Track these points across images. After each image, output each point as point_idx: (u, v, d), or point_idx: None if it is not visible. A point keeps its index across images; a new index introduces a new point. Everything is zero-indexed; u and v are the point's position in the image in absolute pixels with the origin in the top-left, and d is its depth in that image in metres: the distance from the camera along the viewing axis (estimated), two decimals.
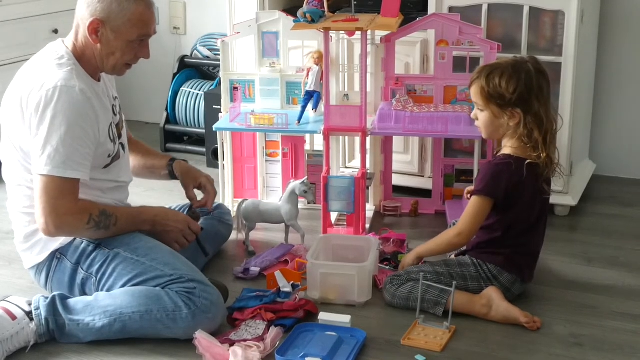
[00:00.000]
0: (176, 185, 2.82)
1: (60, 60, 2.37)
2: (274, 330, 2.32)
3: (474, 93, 2.51)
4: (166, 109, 4.23)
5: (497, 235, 2.52)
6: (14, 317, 2.28)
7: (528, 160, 2.46)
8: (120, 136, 2.54)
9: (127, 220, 2.44)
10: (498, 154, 2.55)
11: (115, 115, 2.52)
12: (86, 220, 2.33)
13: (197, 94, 4.15)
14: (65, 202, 2.29)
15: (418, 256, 2.63)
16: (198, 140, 4.18)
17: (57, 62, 2.36)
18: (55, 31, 3.92)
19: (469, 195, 2.83)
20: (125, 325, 2.31)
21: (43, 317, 2.31)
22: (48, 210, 2.29)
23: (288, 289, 2.49)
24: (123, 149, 2.57)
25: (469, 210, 2.51)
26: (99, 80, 2.47)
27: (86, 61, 2.41)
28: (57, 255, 2.44)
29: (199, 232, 2.60)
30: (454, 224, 2.84)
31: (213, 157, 3.86)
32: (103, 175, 2.46)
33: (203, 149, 4.03)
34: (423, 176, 3.47)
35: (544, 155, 2.45)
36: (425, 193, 3.39)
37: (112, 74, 2.50)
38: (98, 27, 2.35)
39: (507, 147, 2.52)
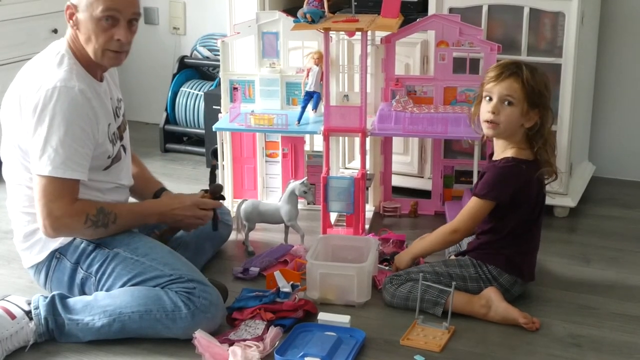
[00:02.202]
0: (176, 185, 2.82)
1: (60, 59, 2.36)
2: (273, 330, 2.32)
3: (509, 86, 2.45)
4: (166, 109, 4.23)
5: (499, 237, 2.52)
6: (13, 317, 2.28)
7: (531, 160, 2.47)
8: (121, 138, 2.54)
9: (128, 217, 2.43)
10: (501, 158, 2.53)
11: (117, 117, 2.52)
12: (83, 220, 2.33)
13: (197, 94, 4.15)
14: (61, 203, 2.29)
15: (413, 257, 2.63)
16: (198, 140, 4.18)
17: (57, 61, 2.35)
18: (55, 31, 3.92)
19: None
20: (125, 325, 2.31)
21: (42, 317, 2.31)
22: (45, 212, 2.30)
23: (287, 289, 2.49)
24: (124, 151, 2.56)
25: (468, 210, 2.51)
26: (101, 80, 2.46)
27: (83, 56, 2.38)
28: (57, 254, 2.44)
29: (217, 205, 2.59)
30: None
31: (213, 158, 3.86)
32: (103, 177, 2.46)
33: (202, 150, 4.03)
34: (423, 177, 3.48)
35: (547, 158, 2.47)
36: (424, 194, 3.40)
37: (101, 62, 2.38)
38: (73, 12, 2.34)
39: (508, 150, 2.52)
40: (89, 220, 2.33)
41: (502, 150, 2.55)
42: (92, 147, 2.35)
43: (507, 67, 2.50)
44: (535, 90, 2.45)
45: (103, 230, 2.38)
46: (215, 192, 2.65)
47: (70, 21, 2.35)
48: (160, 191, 2.71)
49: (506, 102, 2.47)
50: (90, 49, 2.35)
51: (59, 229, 2.33)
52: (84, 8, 2.31)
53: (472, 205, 2.51)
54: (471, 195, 2.57)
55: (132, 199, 2.68)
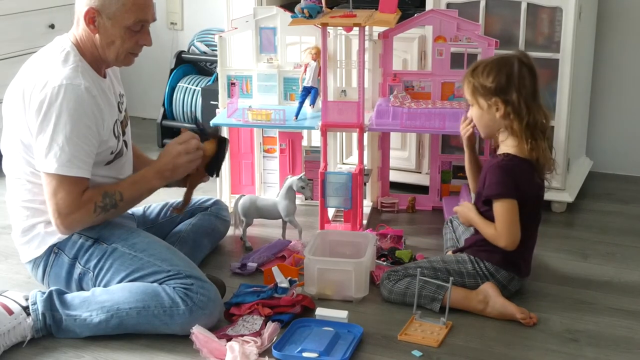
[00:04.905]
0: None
1: (66, 56, 2.36)
2: (271, 326, 2.32)
3: (464, 89, 2.54)
4: (163, 105, 4.22)
5: None
6: (10, 312, 2.28)
7: (528, 157, 2.47)
8: (124, 133, 2.54)
9: (132, 189, 2.42)
10: (498, 155, 2.52)
11: (120, 112, 2.52)
12: (92, 210, 2.34)
13: (194, 89, 4.15)
14: (68, 201, 2.30)
15: (470, 224, 2.56)
16: None
17: (62, 58, 2.36)
18: (52, 26, 3.91)
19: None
20: (122, 320, 2.31)
21: (40, 312, 2.31)
22: (56, 213, 2.31)
23: (285, 284, 2.49)
24: (126, 146, 2.56)
25: (503, 220, 2.42)
26: (104, 77, 2.46)
27: (89, 55, 2.40)
28: (55, 249, 2.44)
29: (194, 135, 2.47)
30: (450, 221, 2.84)
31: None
32: (105, 172, 2.46)
33: None
34: (420, 172, 3.48)
35: (527, 147, 2.44)
36: (422, 189, 3.40)
37: (117, 64, 2.46)
38: (94, 16, 2.34)
39: (506, 147, 2.51)
40: (98, 208, 2.35)
41: (501, 146, 2.55)
42: (96, 145, 2.36)
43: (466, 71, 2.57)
44: (476, 86, 2.48)
45: (114, 211, 2.39)
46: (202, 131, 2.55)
47: (91, 25, 2.35)
48: None
49: (470, 104, 2.54)
50: (111, 52, 2.38)
51: (71, 225, 2.34)
52: (112, 15, 2.33)
53: (500, 212, 2.43)
54: (478, 201, 2.52)
55: None
